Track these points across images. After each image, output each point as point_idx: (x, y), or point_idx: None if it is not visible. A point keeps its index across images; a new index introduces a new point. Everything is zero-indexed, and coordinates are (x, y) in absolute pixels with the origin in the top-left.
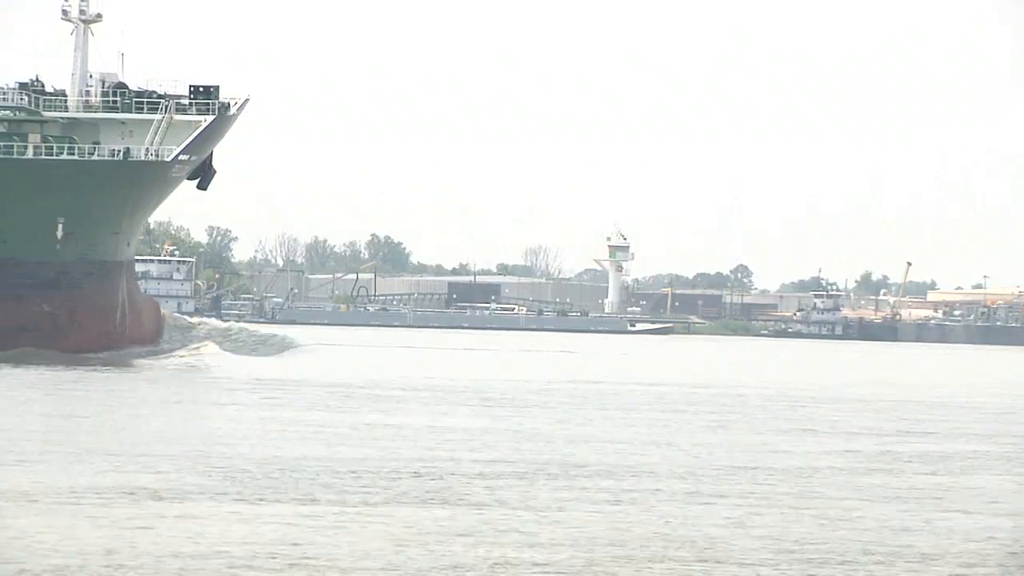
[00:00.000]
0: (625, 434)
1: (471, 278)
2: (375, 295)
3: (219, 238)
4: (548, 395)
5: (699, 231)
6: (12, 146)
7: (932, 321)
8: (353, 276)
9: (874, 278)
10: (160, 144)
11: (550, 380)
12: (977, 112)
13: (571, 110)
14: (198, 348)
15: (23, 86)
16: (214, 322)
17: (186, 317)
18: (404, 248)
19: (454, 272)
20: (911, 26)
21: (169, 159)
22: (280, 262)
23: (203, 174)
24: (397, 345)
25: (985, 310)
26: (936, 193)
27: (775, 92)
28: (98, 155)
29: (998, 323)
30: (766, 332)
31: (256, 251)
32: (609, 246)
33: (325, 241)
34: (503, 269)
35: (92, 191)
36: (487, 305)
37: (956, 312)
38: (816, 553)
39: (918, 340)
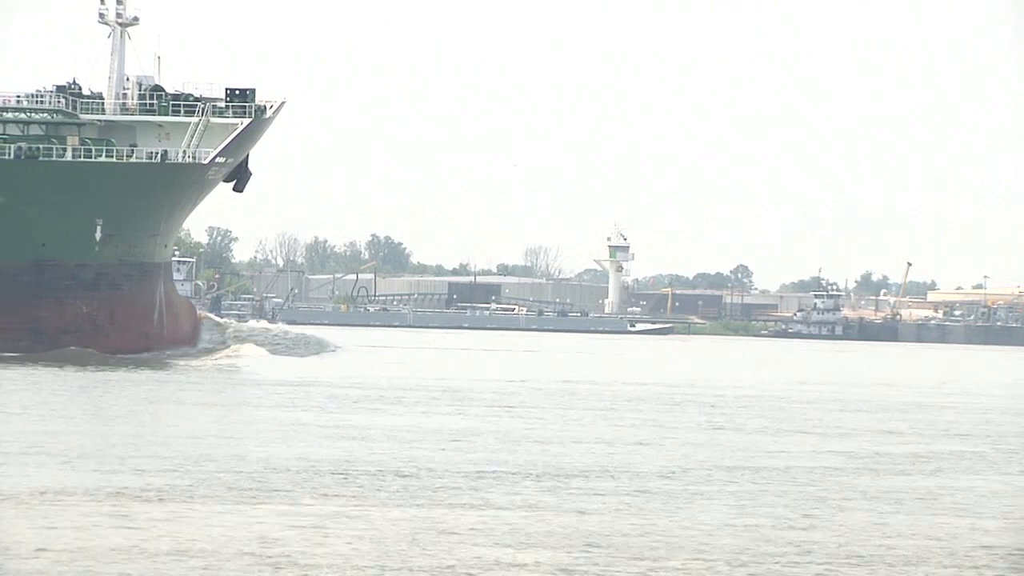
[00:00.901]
0: (610, 434)
1: (471, 278)
2: (375, 295)
3: (219, 238)
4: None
5: (699, 231)
6: (51, 148)
7: (932, 321)
8: (353, 276)
9: (874, 278)
10: (197, 147)
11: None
12: (977, 111)
13: (571, 110)
14: (236, 349)
15: (60, 89)
16: (251, 323)
17: (231, 319)
18: (404, 248)
19: (454, 272)
20: (911, 25)
21: (206, 161)
22: (280, 262)
23: (239, 176)
24: (433, 346)
25: (985, 310)
26: (936, 193)
27: (775, 92)
28: (136, 157)
29: (998, 323)
30: (766, 332)
31: (256, 251)
32: (609, 246)
33: (325, 241)
34: (503, 269)
35: (130, 193)
36: (487, 305)
37: (956, 312)
38: (790, 554)
39: (918, 340)
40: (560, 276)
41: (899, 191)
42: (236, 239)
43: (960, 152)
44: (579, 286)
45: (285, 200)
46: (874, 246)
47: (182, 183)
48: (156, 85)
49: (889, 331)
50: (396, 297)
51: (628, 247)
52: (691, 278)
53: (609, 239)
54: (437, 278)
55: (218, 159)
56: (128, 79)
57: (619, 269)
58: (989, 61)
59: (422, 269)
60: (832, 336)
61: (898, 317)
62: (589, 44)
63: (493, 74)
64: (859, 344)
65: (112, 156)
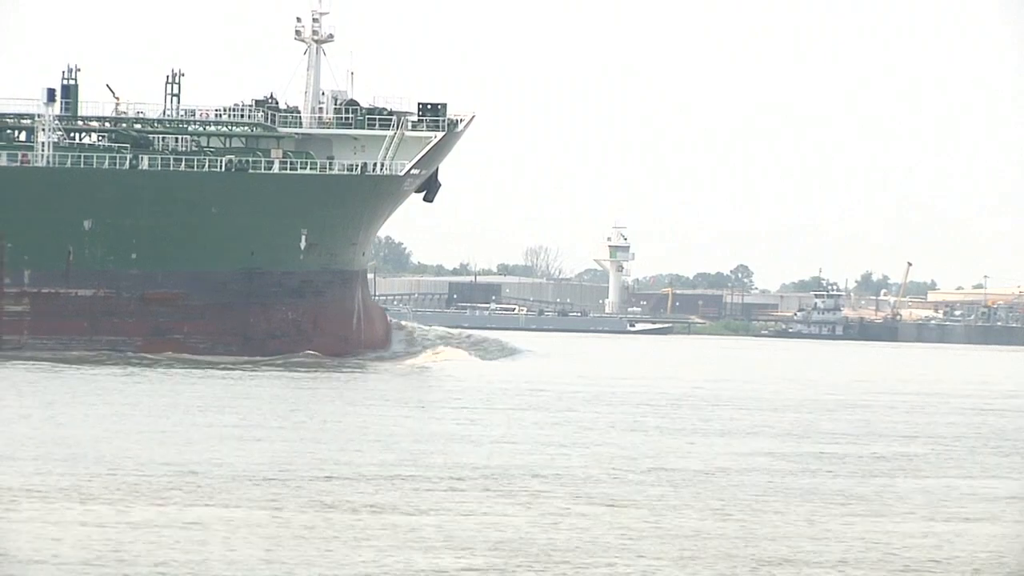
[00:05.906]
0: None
1: (472, 278)
2: (375, 295)
3: None
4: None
5: (699, 231)
6: (259, 161)
7: (932, 321)
8: None
9: (874, 278)
10: (392, 159)
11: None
12: (978, 111)
13: (571, 110)
14: (433, 352)
15: (259, 103)
16: (438, 328)
17: (417, 324)
18: (404, 248)
19: (454, 272)
20: (911, 24)
21: (402, 174)
22: None
23: (429, 187)
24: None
25: (985, 310)
26: (936, 193)
27: (774, 92)
28: (336, 170)
29: (998, 323)
30: (766, 332)
31: None
32: (609, 246)
33: None
34: (504, 269)
35: (332, 204)
36: (487, 305)
37: (956, 312)
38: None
39: (918, 340)
40: (560, 276)
41: (899, 191)
42: None
43: (960, 152)
44: (579, 286)
45: None
46: (874, 246)
47: (379, 194)
48: (351, 100)
49: (889, 331)
50: (396, 297)
51: (628, 247)
52: (691, 278)
53: (609, 239)
54: (437, 278)
55: (413, 171)
56: (324, 94)
57: (619, 269)
58: (989, 61)
59: (422, 269)
60: (832, 336)
61: (898, 317)
62: (589, 44)
63: (493, 74)
64: (859, 344)
65: (315, 168)
